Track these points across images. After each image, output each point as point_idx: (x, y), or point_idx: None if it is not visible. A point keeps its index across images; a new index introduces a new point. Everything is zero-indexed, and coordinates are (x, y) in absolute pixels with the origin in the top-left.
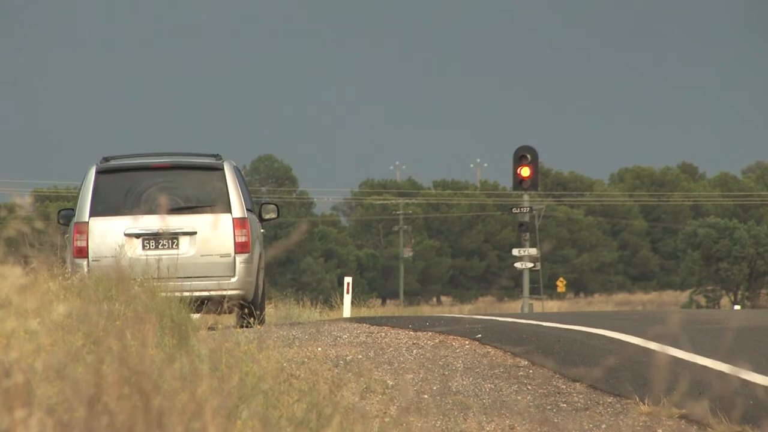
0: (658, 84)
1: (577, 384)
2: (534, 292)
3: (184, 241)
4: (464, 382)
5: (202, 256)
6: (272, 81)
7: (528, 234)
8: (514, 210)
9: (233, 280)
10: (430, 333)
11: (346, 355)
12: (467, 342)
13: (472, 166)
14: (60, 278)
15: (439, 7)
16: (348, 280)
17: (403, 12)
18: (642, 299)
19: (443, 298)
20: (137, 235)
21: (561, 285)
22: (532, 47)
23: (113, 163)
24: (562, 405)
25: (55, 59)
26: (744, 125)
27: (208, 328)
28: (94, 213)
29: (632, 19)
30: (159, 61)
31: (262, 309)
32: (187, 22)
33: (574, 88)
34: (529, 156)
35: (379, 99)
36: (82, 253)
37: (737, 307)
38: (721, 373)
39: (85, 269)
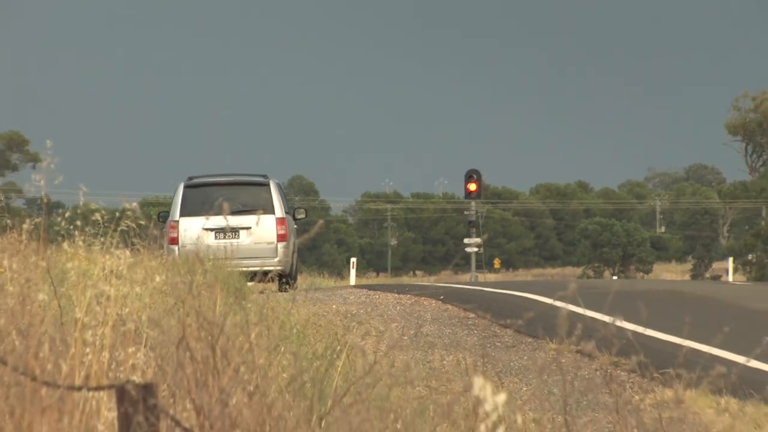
0: (562, 121)
1: (508, 330)
2: (478, 267)
3: (242, 233)
4: (431, 328)
5: (254, 243)
6: (299, 120)
7: (474, 229)
8: (465, 212)
9: (276, 259)
10: (408, 295)
11: (352, 310)
12: (434, 301)
13: (436, 183)
14: (158, 258)
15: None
16: (353, 260)
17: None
18: (551, 273)
19: (417, 272)
20: (211, 229)
21: (497, 263)
22: (474, 91)
23: (195, 180)
24: (497, 344)
25: (142, 103)
26: (618, 154)
27: (259, 292)
28: (182, 214)
29: (542, 65)
30: (228, 98)
31: (295, 279)
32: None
33: (508, 126)
34: (475, 176)
35: (374, 133)
36: (174, 241)
37: (615, 278)
38: (604, 323)
39: (176, 252)
